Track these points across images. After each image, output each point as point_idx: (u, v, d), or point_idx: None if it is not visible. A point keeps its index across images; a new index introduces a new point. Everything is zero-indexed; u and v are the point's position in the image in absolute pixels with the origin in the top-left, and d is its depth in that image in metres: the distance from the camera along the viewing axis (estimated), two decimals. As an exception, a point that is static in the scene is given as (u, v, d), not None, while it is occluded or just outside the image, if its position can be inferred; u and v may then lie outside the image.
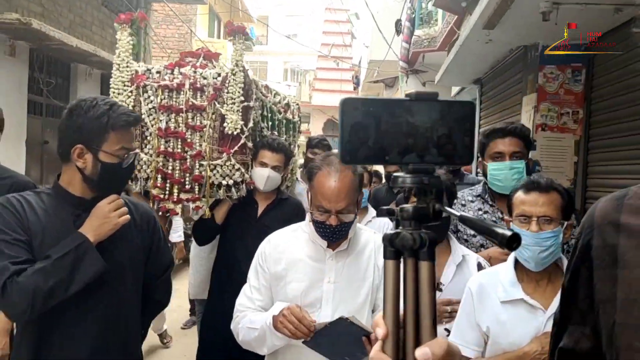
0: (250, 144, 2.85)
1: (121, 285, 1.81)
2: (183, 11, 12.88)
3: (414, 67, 12.48)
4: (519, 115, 4.84)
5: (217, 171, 2.77)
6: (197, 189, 2.80)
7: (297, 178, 4.09)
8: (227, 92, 2.76)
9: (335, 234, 1.87)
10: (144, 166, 2.79)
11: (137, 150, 1.88)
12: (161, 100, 2.79)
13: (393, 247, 0.82)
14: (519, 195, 1.83)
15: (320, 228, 1.86)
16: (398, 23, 10.74)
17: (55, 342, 1.71)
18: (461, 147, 0.80)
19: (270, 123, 3.25)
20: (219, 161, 2.76)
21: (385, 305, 0.82)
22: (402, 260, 0.81)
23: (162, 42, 14.47)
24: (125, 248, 1.81)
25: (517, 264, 1.84)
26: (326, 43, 24.64)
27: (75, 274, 1.61)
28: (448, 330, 1.97)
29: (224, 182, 2.77)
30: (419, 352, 0.73)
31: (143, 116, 2.75)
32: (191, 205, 2.82)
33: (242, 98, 2.75)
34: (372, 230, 2.12)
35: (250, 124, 2.84)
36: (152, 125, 2.80)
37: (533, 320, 1.76)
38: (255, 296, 1.99)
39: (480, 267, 2.11)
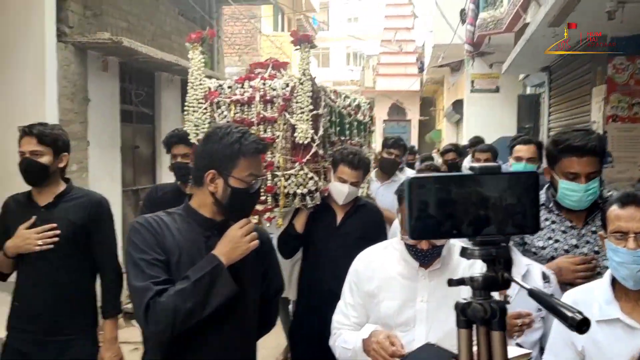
0: (321, 152, 2.88)
1: (244, 308, 1.86)
2: (248, 8, 13.27)
3: (480, 50, 12.37)
4: (588, 106, 4.85)
5: (292, 181, 2.81)
6: (269, 199, 2.84)
7: (371, 177, 4.14)
8: (296, 102, 2.79)
9: (427, 257, 1.88)
10: None
11: (265, 176, 1.98)
12: (234, 114, 2.87)
13: (465, 317, 0.86)
14: (614, 209, 1.72)
15: (413, 251, 1.88)
16: (462, 12, 10.63)
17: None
18: (529, 217, 0.82)
19: (339, 128, 3.28)
20: (292, 171, 2.80)
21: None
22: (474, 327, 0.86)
23: (229, 39, 15.08)
24: (247, 270, 1.85)
25: (614, 281, 1.74)
26: (389, 27, 24.49)
27: (210, 296, 1.67)
28: (520, 345, 1.91)
29: (299, 191, 2.80)
30: None
31: None
32: (264, 215, 2.86)
33: (311, 107, 2.77)
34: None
35: (321, 132, 2.86)
36: None
37: (630, 340, 1.66)
38: (350, 313, 2.02)
39: (545, 277, 2.10)
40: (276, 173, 2.80)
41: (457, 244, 1.97)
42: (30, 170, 2.55)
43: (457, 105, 15.44)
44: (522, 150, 3.47)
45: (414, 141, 25.80)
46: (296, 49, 2.88)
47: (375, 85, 25.28)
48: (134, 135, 7.08)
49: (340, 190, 2.89)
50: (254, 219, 2.77)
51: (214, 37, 3.15)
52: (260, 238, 1.87)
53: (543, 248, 2.33)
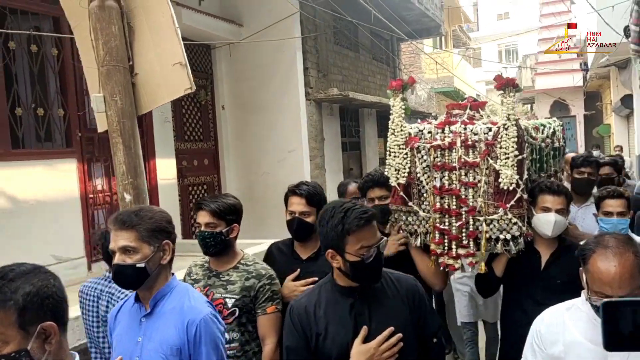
0: (525, 196, 2.77)
1: (400, 355, 1.99)
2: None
3: (649, 45, 12.54)
4: None
5: (494, 225, 2.74)
6: (472, 244, 2.80)
7: None
8: (500, 148, 2.70)
9: None
10: (422, 222, 2.89)
11: (384, 241, 2.01)
12: (434, 159, 2.83)
13: None
14: None
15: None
16: (626, 29, 11.07)
17: None
18: None
19: (538, 165, 3.19)
20: (495, 216, 2.72)
21: None
22: None
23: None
24: (396, 324, 1.99)
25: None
26: (545, 26, 24.43)
27: None
28: None
29: (502, 237, 2.74)
30: None
31: (418, 175, 2.87)
32: (467, 260, 2.84)
33: (516, 152, 2.67)
34: None
35: (525, 176, 2.76)
36: (427, 184, 2.85)
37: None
38: None
39: None
40: (478, 218, 2.75)
41: None
42: (299, 228, 2.80)
43: (627, 99, 15.42)
44: (612, 205, 3.20)
45: (579, 137, 25.29)
46: (500, 94, 2.81)
47: (535, 84, 25.27)
48: (348, 160, 9.05)
49: (546, 221, 2.80)
50: (457, 263, 2.83)
51: (414, 83, 3.21)
52: (409, 290, 2.08)
53: None
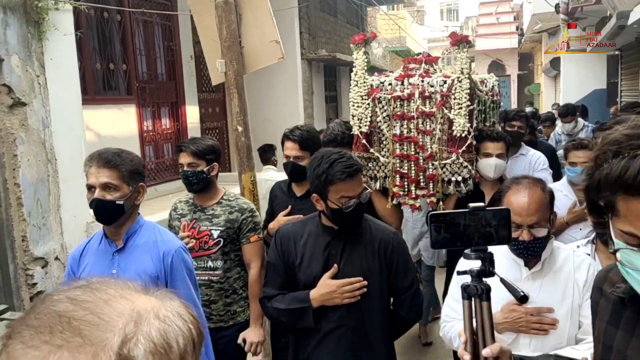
0: (474, 142, 2.98)
1: (360, 302, 2.14)
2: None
3: (575, 16, 14.68)
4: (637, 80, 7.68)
5: (447, 169, 2.95)
6: (431, 186, 3.00)
7: None
8: (454, 99, 2.89)
9: (529, 250, 1.94)
10: (382, 167, 3.08)
11: (366, 193, 2.15)
12: (394, 109, 2.99)
13: (467, 293, 1.37)
14: None
15: (514, 245, 1.94)
16: (557, 6, 13.05)
17: (310, 349, 2.21)
18: (502, 234, 1.37)
19: (483, 115, 3.38)
20: (448, 161, 2.91)
21: (464, 324, 1.35)
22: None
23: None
24: (361, 268, 2.16)
25: None
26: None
27: (296, 322, 2.23)
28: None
29: (454, 179, 2.94)
30: (484, 351, 1.29)
31: (379, 124, 3.04)
32: (427, 200, 3.06)
33: (468, 103, 2.87)
34: (571, 249, 2.13)
35: (475, 124, 2.96)
36: (387, 132, 3.03)
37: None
38: (458, 308, 2.01)
39: None
40: (434, 162, 2.96)
41: (562, 245, 2.12)
42: (293, 171, 3.09)
43: (555, 62, 17.75)
44: (578, 155, 3.36)
45: (513, 94, 27.89)
46: (455, 49, 3.03)
47: (475, 44, 27.44)
48: (329, 110, 10.71)
49: (488, 164, 3.07)
50: (417, 203, 3.08)
51: (375, 37, 3.46)
52: (383, 241, 2.20)
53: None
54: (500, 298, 1.82)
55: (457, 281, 2.11)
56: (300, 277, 2.21)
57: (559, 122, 7.23)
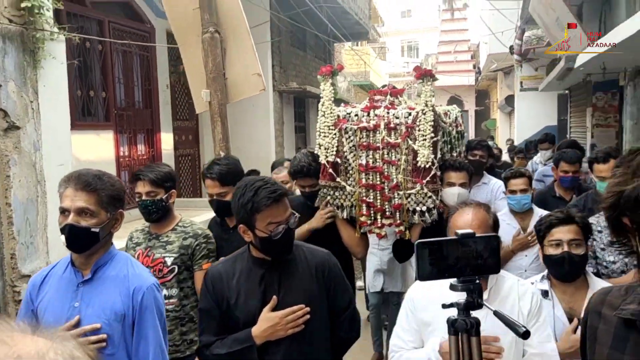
0: (438, 173, 3.04)
1: (305, 329, 2.06)
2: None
3: (528, 57, 15.67)
4: (584, 118, 8.39)
5: (412, 199, 2.98)
6: (397, 215, 3.04)
7: None
8: (419, 130, 2.94)
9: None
10: (348, 196, 3.10)
11: (294, 218, 2.08)
12: (360, 139, 3.04)
13: (454, 328, 1.28)
14: None
15: None
16: (511, 48, 13.95)
17: None
18: (492, 263, 1.33)
19: (449, 146, 3.47)
20: (413, 191, 2.96)
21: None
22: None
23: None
24: (304, 295, 2.09)
25: None
26: (445, 30, 27.74)
27: None
28: None
29: (418, 209, 2.97)
30: None
31: (345, 153, 3.08)
32: (395, 229, 3.10)
33: (432, 135, 2.92)
34: (516, 278, 2.17)
35: (439, 155, 3.05)
36: (353, 161, 3.08)
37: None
38: (406, 337, 2.09)
39: None
40: (399, 192, 3.00)
41: (507, 274, 2.15)
42: (219, 209, 3.04)
43: (509, 99, 18.75)
44: (516, 184, 3.51)
45: (471, 129, 29.03)
46: (419, 82, 3.08)
47: (438, 79, 28.56)
48: (297, 140, 11.07)
49: (451, 193, 3.13)
50: (383, 232, 3.13)
51: (342, 69, 3.50)
52: (319, 265, 2.16)
53: (614, 262, 2.59)
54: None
55: (405, 310, 2.12)
56: (239, 317, 2.09)
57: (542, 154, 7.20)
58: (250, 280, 2.11)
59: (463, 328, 1.33)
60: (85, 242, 1.92)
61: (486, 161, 4.59)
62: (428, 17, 35.48)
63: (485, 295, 1.98)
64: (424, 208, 3.00)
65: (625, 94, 7.31)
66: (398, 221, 3.06)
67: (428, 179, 2.96)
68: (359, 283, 5.60)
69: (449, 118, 3.54)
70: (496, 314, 1.38)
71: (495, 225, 2.11)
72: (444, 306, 1.45)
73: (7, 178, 4.02)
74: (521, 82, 16.53)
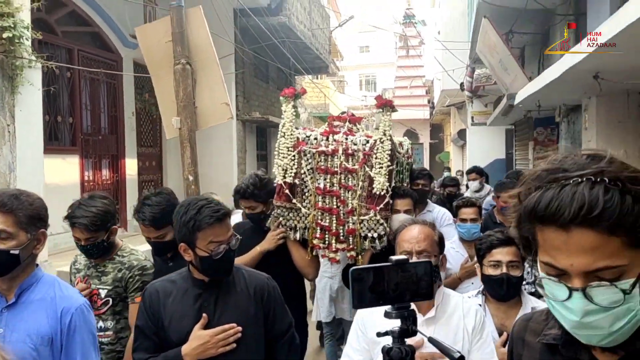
0: (391, 200, 3.07)
1: (238, 350, 2.03)
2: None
3: (478, 93, 16.60)
4: (527, 150, 9.08)
5: (365, 225, 3.01)
6: (350, 240, 3.05)
7: None
8: (376, 158, 2.99)
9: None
10: (302, 218, 3.08)
11: (235, 239, 2.07)
12: (318, 163, 3.06)
13: (389, 357, 1.31)
14: None
15: None
16: (462, 85, 14.81)
17: None
18: (425, 288, 1.32)
19: (401, 175, 3.54)
20: (366, 217, 2.99)
21: None
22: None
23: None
24: (240, 317, 2.07)
25: None
26: (401, 65, 28.88)
27: None
28: None
29: (370, 235, 3.00)
30: None
31: (303, 175, 3.07)
32: (347, 254, 3.09)
33: (389, 163, 2.98)
34: (461, 295, 2.22)
35: (393, 184, 3.08)
36: (310, 184, 3.08)
37: None
38: (357, 357, 2.10)
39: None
40: (353, 217, 3.02)
41: (452, 292, 2.21)
42: (159, 250, 2.82)
43: (462, 133, 19.64)
44: (467, 212, 3.64)
45: (425, 161, 30.04)
46: (378, 112, 3.15)
47: (392, 115, 29.56)
48: (259, 167, 11.38)
49: (396, 219, 3.10)
50: (337, 256, 3.10)
51: (305, 93, 3.58)
52: (258, 288, 2.15)
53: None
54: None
55: (355, 330, 2.15)
56: (172, 337, 2.06)
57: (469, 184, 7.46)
58: (186, 299, 2.09)
59: (398, 356, 1.34)
60: (5, 265, 1.83)
61: (429, 189, 4.68)
62: (385, 52, 36.73)
63: (432, 313, 2.07)
64: (375, 235, 3.02)
65: (561, 129, 8.00)
66: (350, 246, 3.07)
67: (382, 205, 3.00)
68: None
69: (403, 149, 3.64)
70: (431, 340, 1.42)
71: (441, 242, 2.20)
72: (379, 335, 1.44)
73: (-18, 197, 4.18)
74: (472, 117, 17.41)
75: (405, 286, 1.32)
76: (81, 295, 2.05)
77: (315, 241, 3.09)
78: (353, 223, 3.05)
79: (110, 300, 2.67)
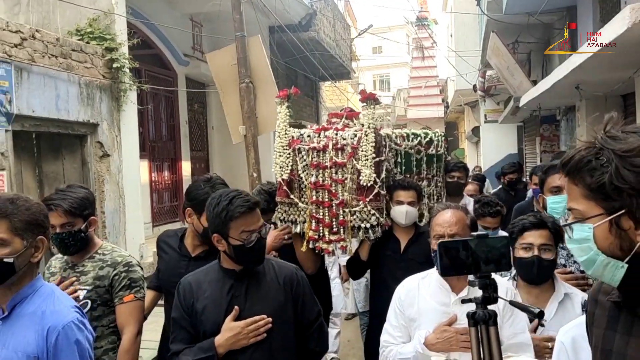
0: (383, 192, 3.14)
1: (269, 339, 2.11)
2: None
3: (490, 92, 17.58)
4: (534, 145, 10.14)
5: (357, 216, 3.10)
6: (342, 231, 3.14)
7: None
8: (361, 151, 3.06)
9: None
10: (301, 212, 3.23)
11: (265, 228, 2.17)
12: (311, 159, 3.16)
13: (474, 320, 1.42)
14: None
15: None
16: (475, 86, 15.82)
17: None
18: (504, 262, 1.46)
19: (404, 167, 3.51)
20: (357, 208, 3.07)
21: (472, 351, 1.44)
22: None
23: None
24: (270, 306, 2.14)
25: None
26: (416, 66, 29.95)
27: None
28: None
29: (362, 225, 3.09)
30: None
31: (299, 172, 3.20)
32: (338, 245, 3.18)
33: (373, 155, 3.04)
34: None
35: (383, 175, 3.13)
36: (306, 180, 3.19)
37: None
38: (395, 333, 2.31)
39: (584, 306, 2.19)
40: (345, 209, 3.10)
41: None
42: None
43: (475, 130, 20.59)
44: (489, 221, 3.77)
45: (441, 158, 30.78)
46: (363, 105, 3.20)
47: (407, 114, 30.61)
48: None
49: (399, 211, 3.20)
50: (331, 247, 3.18)
51: (298, 94, 3.63)
52: (287, 277, 2.23)
53: (582, 272, 2.57)
54: (433, 322, 2.17)
55: (393, 308, 2.36)
56: (206, 327, 2.13)
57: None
58: (218, 290, 2.15)
59: (482, 319, 1.47)
60: None
61: (464, 182, 4.56)
62: (398, 51, 37.70)
63: (464, 292, 2.19)
64: (368, 225, 3.07)
65: (561, 126, 9.03)
66: (342, 237, 3.13)
67: (371, 197, 3.04)
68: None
69: (409, 141, 3.54)
70: (512, 302, 1.61)
71: (473, 225, 2.39)
72: (464, 301, 1.61)
73: (102, 193, 5.41)
74: (485, 115, 18.38)
75: (486, 258, 1.46)
76: (74, 310, 1.82)
77: (310, 233, 3.20)
78: (344, 215, 3.13)
79: (89, 303, 2.45)
